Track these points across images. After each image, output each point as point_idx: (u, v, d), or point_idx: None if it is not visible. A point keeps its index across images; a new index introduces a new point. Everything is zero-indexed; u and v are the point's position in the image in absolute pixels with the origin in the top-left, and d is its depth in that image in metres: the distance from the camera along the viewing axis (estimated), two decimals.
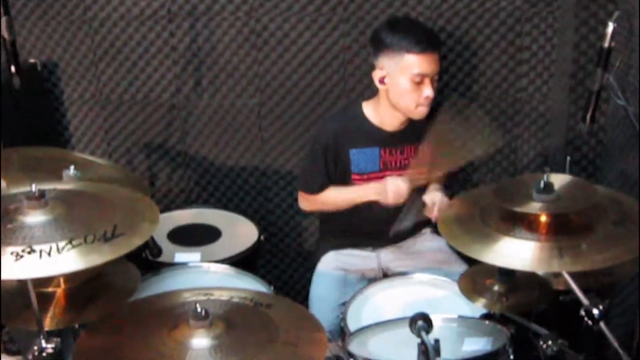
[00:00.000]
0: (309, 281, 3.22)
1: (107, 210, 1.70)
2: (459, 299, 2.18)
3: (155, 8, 2.89)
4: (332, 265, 2.53)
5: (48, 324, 1.81)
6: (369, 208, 2.47)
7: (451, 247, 2.52)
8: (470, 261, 2.45)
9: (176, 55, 2.96)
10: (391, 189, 2.31)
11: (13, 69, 1.82)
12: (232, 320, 1.74)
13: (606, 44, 1.72)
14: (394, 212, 2.45)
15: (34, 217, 1.63)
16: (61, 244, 1.54)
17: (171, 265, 2.47)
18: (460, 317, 1.90)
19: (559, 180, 1.67)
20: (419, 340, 1.43)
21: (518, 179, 1.95)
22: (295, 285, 3.30)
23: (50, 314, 1.84)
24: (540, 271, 1.75)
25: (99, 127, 3.11)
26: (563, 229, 1.63)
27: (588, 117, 1.79)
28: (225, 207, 3.13)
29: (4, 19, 1.75)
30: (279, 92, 2.98)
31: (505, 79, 2.86)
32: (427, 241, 2.57)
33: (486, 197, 1.76)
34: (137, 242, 1.60)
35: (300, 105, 2.99)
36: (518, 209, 1.64)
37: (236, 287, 2.11)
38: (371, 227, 2.50)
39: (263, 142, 3.06)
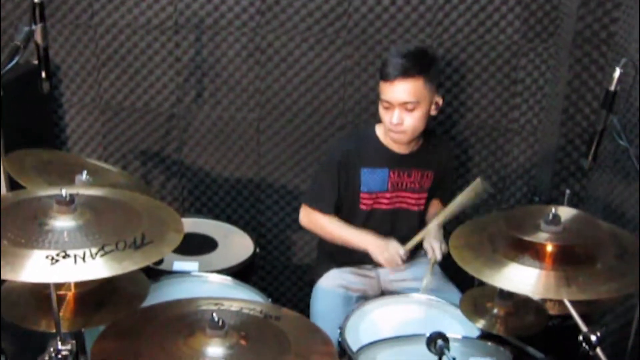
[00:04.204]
0: (295, 295, 3.32)
1: (132, 218, 1.74)
2: (453, 320, 2.28)
3: (163, 19, 2.95)
4: (335, 282, 2.59)
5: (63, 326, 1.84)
6: (370, 226, 2.56)
7: (444, 272, 2.63)
8: (462, 286, 2.58)
9: (180, 66, 3.01)
10: (390, 254, 2.44)
11: (44, 74, 1.85)
12: (246, 331, 1.79)
13: (612, 88, 1.83)
14: (395, 231, 2.56)
15: (64, 222, 1.66)
16: (93, 249, 1.57)
17: (170, 273, 2.51)
18: (464, 337, 1.99)
19: (565, 213, 1.77)
20: (436, 358, 1.50)
21: (526, 209, 2.06)
22: (281, 298, 3.35)
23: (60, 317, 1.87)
24: (548, 297, 1.84)
25: (96, 131, 3.13)
26: (567, 260, 1.73)
27: (591, 154, 1.90)
28: (217, 217, 3.17)
29: (39, 26, 1.79)
30: (279, 108, 3.05)
31: (498, 110, 2.98)
32: (421, 263, 2.64)
33: (495, 224, 1.85)
34: (165, 250, 1.65)
35: (298, 122, 3.07)
36: (526, 238, 1.73)
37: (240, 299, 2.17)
38: None
39: (260, 156, 3.13)
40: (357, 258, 2.64)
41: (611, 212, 2.66)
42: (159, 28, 2.96)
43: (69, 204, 1.68)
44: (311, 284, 2.72)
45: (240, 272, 2.62)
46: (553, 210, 1.74)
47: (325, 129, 3.06)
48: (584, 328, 1.73)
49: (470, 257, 1.76)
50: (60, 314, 1.87)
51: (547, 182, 2.93)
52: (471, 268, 1.73)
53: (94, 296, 1.91)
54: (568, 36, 2.75)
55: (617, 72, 1.83)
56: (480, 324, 1.97)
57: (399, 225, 2.62)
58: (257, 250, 2.78)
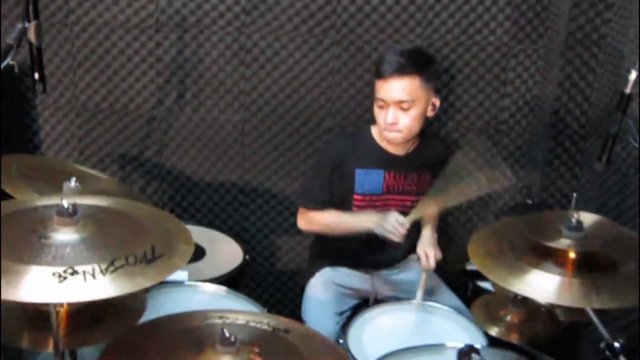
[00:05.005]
0: (280, 301, 3.23)
1: (139, 230, 1.64)
2: (457, 327, 2.24)
3: (143, 17, 2.82)
4: (327, 279, 2.52)
5: (52, 345, 1.72)
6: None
7: (439, 276, 2.58)
8: (459, 290, 2.54)
9: (161, 66, 2.89)
10: (390, 224, 2.29)
11: (37, 75, 1.73)
12: (257, 346, 1.71)
13: (628, 90, 1.81)
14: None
15: (66, 235, 1.54)
16: (103, 265, 1.46)
17: (160, 283, 2.39)
18: (483, 347, 1.94)
19: (586, 218, 1.74)
20: None
21: (546, 214, 2.02)
22: (265, 305, 3.24)
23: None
24: (572, 305, 1.80)
25: (72, 134, 2.98)
26: (589, 267, 1.69)
27: (604, 157, 1.87)
28: (199, 223, 3.06)
29: (32, 24, 1.66)
30: (264, 110, 2.96)
31: (487, 111, 2.95)
32: (416, 268, 2.60)
33: (514, 230, 1.81)
34: (178, 263, 1.54)
35: (284, 125, 2.98)
36: (549, 244, 1.69)
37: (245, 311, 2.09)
38: (365, 248, 2.51)
39: (244, 159, 3.03)
40: (350, 261, 2.59)
41: (604, 214, 2.64)
42: (139, 27, 2.83)
43: (71, 215, 1.56)
44: (300, 288, 2.65)
45: (231, 281, 2.53)
46: (575, 216, 1.70)
47: (311, 131, 2.99)
48: (606, 335, 1.70)
49: (492, 264, 1.70)
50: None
51: (537, 184, 2.91)
52: (495, 276, 1.68)
53: (89, 311, 1.80)
54: (559, 37, 2.73)
55: (633, 75, 1.80)
56: (494, 331, 1.93)
57: None
58: (247, 257, 2.70)
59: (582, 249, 1.69)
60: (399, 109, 2.32)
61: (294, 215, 3.07)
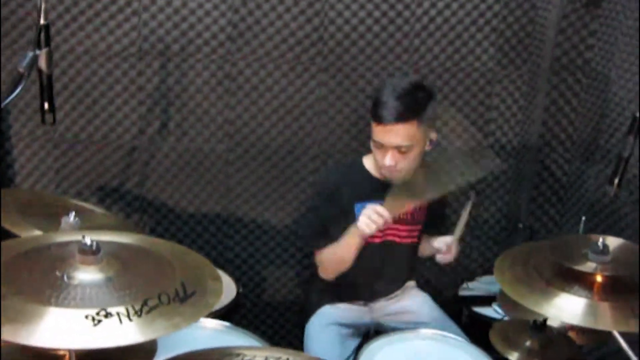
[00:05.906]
0: (265, 333, 3.15)
1: (163, 267, 1.56)
2: (466, 355, 2.21)
3: (125, 45, 2.74)
4: (328, 320, 2.46)
5: None
6: (361, 260, 2.45)
7: (437, 303, 2.56)
8: (456, 317, 2.52)
9: (143, 95, 2.81)
10: (369, 215, 2.22)
11: (46, 105, 1.63)
12: None
13: (639, 114, 1.84)
14: (385, 265, 2.47)
15: (91, 274, 1.45)
16: (136, 305, 1.38)
17: None
18: None
19: (611, 242, 1.75)
20: None
21: (570, 238, 2.02)
22: None
23: None
24: (600, 328, 1.80)
25: (48, 166, 2.85)
26: (615, 290, 1.70)
27: (616, 181, 1.89)
28: None
29: (44, 51, 1.58)
30: (249, 139, 2.90)
31: None
32: (414, 296, 2.57)
33: (536, 254, 1.80)
34: (212, 301, 1.47)
35: (270, 153, 2.93)
36: (576, 267, 1.69)
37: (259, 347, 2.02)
38: (361, 279, 2.47)
39: (228, 189, 2.96)
40: (348, 294, 2.54)
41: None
42: (121, 55, 2.74)
43: (95, 253, 1.47)
44: (289, 320, 2.58)
45: (225, 314, 2.45)
46: (601, 239, 1.71)
47: (297, 159, 2.94)
48: (634, 358, 1.70)
49: (523, 289, 1.69)
50: None
51: (524, 208, 2.94)
52: (527, 301, 1.67)
53: (98, 354, 1.70)
54: (544, 63, 2.78)
55: None
56: (514, 356, 1.91)
57: (390, 258, 2.52)
58: (240, 290, 2.62)
59: (609, 272, 1.70)
60: (397, 152, 2.28)
61: (280, 245, 3.05)
